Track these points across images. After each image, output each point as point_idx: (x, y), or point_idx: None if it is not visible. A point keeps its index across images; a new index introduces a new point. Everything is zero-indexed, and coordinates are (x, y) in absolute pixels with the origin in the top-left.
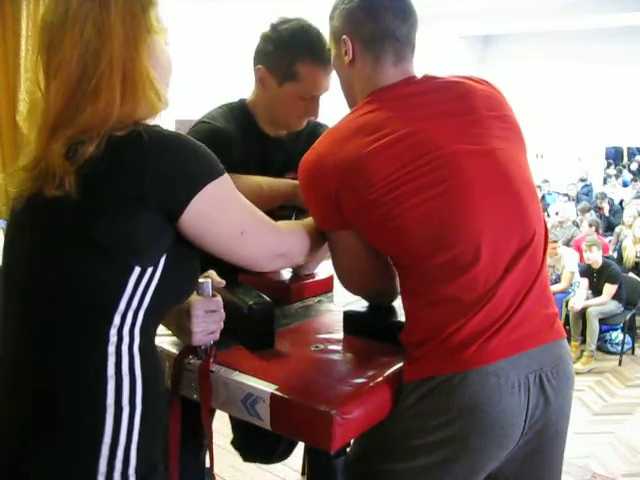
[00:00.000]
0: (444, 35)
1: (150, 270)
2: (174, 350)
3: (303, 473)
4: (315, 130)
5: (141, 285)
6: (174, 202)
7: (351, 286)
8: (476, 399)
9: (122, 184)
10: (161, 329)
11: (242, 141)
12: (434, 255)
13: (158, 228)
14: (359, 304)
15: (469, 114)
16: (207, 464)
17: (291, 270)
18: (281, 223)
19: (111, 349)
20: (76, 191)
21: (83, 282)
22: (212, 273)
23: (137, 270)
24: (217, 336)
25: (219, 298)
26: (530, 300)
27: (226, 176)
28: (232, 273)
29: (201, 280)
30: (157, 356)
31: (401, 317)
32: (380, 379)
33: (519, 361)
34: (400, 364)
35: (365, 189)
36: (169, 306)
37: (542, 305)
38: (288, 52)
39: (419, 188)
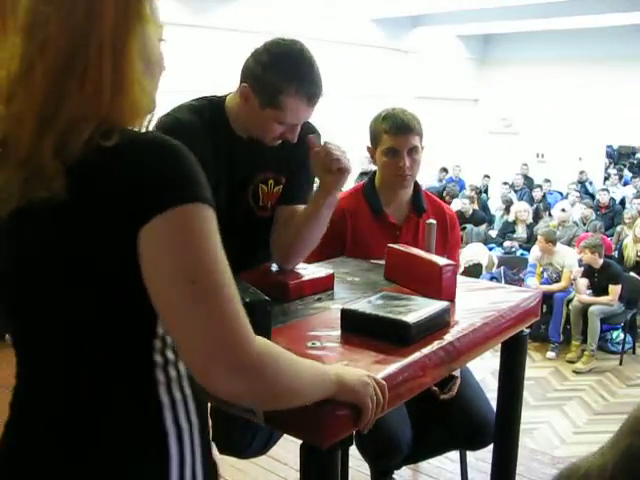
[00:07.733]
0: (444, 35)
1: None
2: None
3: None
4: (303, 137)
5: None
6: (146, 205)
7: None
8: None
9: (117, 203)
10: None
11: (208, 136)
12: None
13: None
14: (357, 302)
15: None
16: None
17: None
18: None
19: (159, 373)
20: (67, 197)
21: (117, 320)
22: None
23: None
24: None
25: None
26: None
27: (211, 211)
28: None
29: None
30: None
31: (399, 315)
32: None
33: None
34: (397, 363)
35: None
36: None
37: None
38: (274, 80)
39: None
